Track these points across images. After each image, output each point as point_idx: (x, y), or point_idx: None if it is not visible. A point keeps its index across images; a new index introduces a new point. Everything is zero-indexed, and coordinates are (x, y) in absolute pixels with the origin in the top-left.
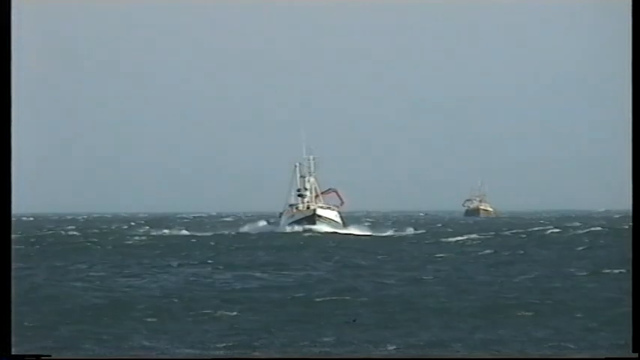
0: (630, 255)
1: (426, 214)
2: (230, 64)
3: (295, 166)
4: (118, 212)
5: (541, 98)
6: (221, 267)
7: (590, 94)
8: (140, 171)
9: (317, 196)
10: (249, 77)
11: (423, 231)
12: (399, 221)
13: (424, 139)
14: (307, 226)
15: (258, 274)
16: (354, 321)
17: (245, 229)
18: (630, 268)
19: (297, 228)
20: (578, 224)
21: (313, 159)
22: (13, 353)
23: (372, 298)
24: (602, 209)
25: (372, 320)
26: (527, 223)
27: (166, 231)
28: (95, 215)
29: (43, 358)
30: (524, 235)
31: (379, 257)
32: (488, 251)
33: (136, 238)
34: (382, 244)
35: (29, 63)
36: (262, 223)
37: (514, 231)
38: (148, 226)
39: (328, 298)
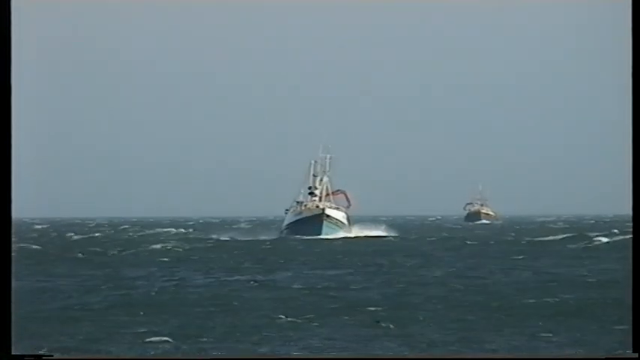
0: None
1: (435, 219)
2: (243, 62)
3: (310, 164)
4: (117, 216)
5: (547, 100)
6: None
7: (596, 95)
8: (145, 173)
9: (327, 195)
10: (258, 77)
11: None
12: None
13: (429, 144)
14: (310, 237)
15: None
16: (378, 322)
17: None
18: (633, 268)
19: (300, 235)
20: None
21: (329, 158)
22: (13, 353)
23: (391, 300)
24: (611, 214)
25: (394, 321)
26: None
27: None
28: (101, 220)
29: (43, 358)
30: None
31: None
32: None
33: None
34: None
35: (29, 63)
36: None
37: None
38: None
39: (348, 301)
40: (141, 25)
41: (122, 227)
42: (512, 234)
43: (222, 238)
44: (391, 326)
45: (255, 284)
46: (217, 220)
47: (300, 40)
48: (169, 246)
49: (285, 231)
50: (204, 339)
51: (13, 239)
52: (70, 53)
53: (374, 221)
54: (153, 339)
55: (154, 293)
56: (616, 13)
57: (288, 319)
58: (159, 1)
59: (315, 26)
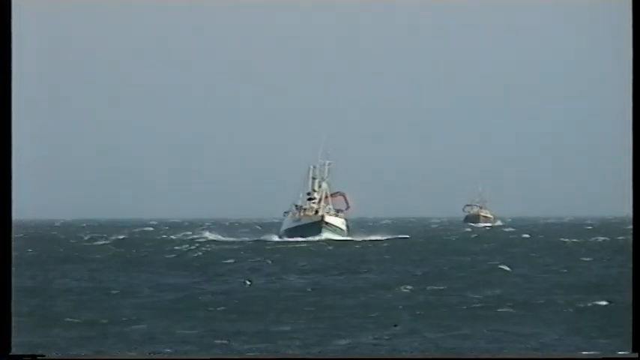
0: None
1: (440, 221)
2: (242, 63)
3: (309, 169)
4: (117, 217)
5: (547, 100)
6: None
7: (596, 95)
8: (145, 174)
9: (327, 197)
10: (258, 78)
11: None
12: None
13: (429, 145)
14: (309, 238)
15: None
16: (395, 326)
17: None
18: (633, 267)
19: (300, 238)
20: None
21: (329, 164)
22: (13, 353)
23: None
24: (611, 216)
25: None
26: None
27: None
28: (103, 221)
29: (39, 358)
30: None
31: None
32: None
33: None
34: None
35: (29, 63)
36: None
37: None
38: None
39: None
40: (141, 25)
41: (126, 229)
42: (522, 236)
43: (224, 239)
44: (407, 328)
45: (261, 285)
46: (226, 223)
47: (300, 40)
48: (185, 248)
49: (283, 236)
50: (217, 341)
51: (23, 243)
52: (71, 53)
53: (373, 223)
54: (164, 344)
55: (164, 296)
56: (616, 13)
57: (300, 321)
58: (159, 2)
59: (315, 26)
